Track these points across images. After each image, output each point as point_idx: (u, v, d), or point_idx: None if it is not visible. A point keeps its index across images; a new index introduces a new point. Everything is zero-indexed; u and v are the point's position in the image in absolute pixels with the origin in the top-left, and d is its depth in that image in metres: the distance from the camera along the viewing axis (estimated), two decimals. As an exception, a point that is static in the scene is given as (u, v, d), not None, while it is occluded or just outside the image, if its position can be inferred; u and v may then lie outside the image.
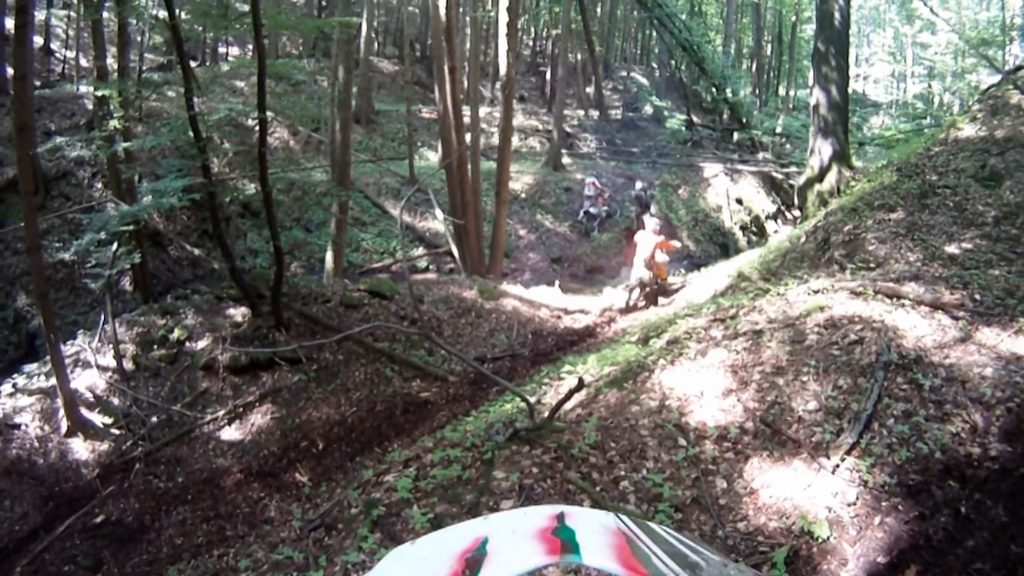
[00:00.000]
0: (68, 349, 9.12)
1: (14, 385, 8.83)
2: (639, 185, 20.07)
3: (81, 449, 8.03)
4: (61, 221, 12.80)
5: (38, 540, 6.94)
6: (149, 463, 7.94)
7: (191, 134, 8.41)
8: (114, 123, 9.89)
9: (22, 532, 7.07)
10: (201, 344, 9.02)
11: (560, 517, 2.23)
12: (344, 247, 12.36)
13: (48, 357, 8.46)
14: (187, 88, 8.12)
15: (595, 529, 2.22)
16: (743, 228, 22.26)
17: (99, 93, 10.74)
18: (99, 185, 13.95)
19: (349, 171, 12.90)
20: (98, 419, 8.33)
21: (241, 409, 8.39)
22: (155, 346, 9.01)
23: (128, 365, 8.81)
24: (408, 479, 4.99)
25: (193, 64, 21.50)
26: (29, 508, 7.30)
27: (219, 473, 8.03)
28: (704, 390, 5.19)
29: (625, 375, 6.05)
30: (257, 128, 8.84)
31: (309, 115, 18.21)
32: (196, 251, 12.46)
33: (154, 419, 8.29)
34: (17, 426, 8.07)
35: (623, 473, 4.52)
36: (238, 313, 9.55)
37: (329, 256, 11.66)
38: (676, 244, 13.17)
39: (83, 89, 17.49)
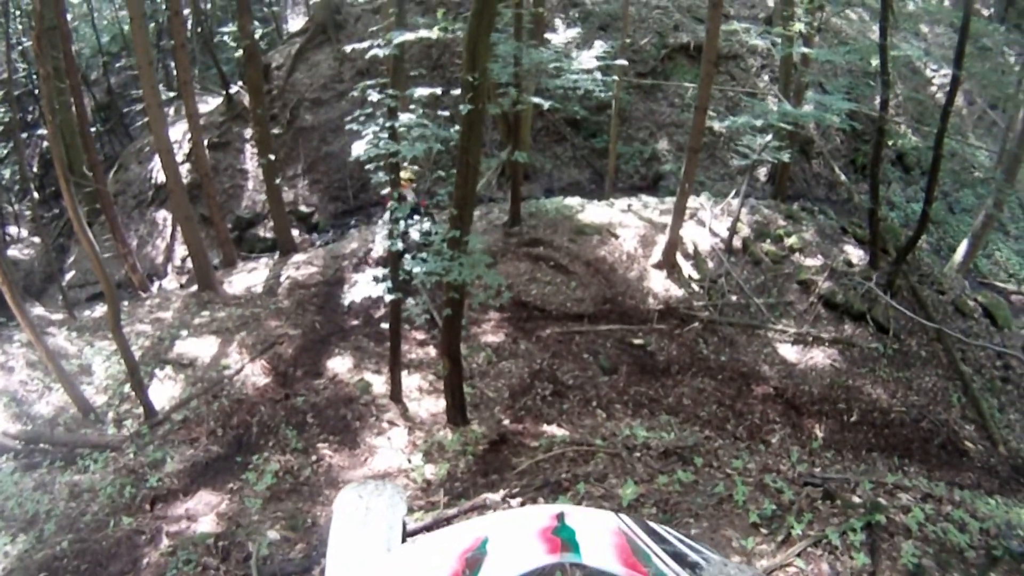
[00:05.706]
0: (690, 201, 10.12)
1: (628, 205, 10.50)
2: None
3: (665, 283, 8.98)
4: (722, 95, 13.91)
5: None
6: (705, 329, 8.48)
7: (875, 62, 7.88)
8: (799, 26, 9.93)
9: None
10: (809, 262, 8.98)
11: (560, 516, 2.23)
12: (980, 247, 10.60)
13: (669, 199, 9.50)
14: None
15: (595, 529, 2.22)
16: None
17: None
18: (766, 77, 14.59)
19: (1019, 168, 10.75)
20: (688, 267, 9.16)
21: (810, 338, 8.22)
22: (768, 240, 9.31)
23: (736, 243, 9.34)
24: None
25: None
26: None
27: (753, 376, 8.13)
28: None
29: None
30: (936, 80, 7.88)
31: (998, 87, 15.48)
32: (842, 176, 12.28)
33: (733, 298, 8.76)
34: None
35: None
36: (855, 254, 9.16)
37: (962, 249, 10.13)
38: None
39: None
